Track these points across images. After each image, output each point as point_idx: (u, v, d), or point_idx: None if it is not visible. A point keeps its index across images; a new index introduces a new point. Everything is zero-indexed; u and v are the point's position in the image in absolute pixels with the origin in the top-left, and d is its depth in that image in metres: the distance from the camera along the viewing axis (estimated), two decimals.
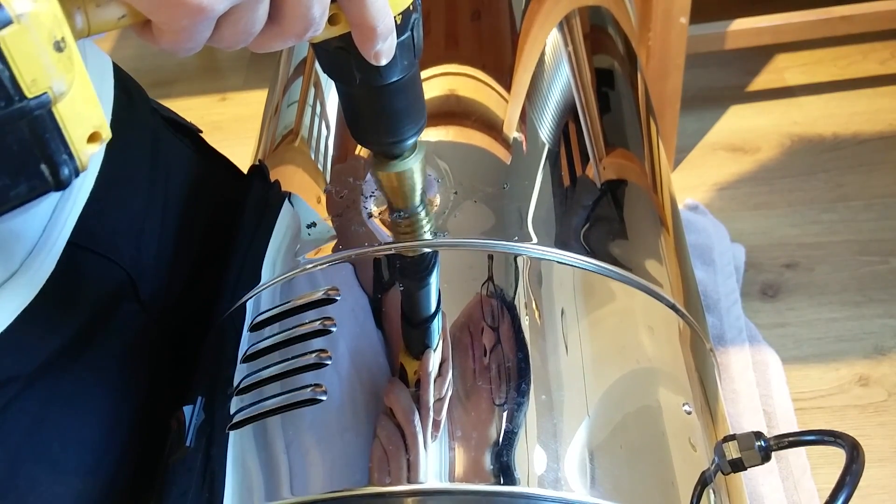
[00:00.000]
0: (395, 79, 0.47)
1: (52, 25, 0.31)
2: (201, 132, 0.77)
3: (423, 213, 0.57)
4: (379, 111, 0.49)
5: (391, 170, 0.53)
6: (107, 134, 0.35)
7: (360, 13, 0.39)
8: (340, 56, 0.45)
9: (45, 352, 0.54)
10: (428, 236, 0.57)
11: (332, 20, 0.41)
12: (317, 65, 0.74)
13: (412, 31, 0.45)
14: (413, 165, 0.53)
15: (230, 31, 0.37)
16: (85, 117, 0.34)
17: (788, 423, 1.06)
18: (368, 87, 0.47)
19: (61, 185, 0.34)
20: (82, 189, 0.58)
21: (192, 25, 0.34)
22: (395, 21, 0.43)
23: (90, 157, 0.35)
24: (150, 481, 0.57)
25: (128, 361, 0.60)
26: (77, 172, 0.34)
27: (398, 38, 0.45)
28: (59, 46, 0.32)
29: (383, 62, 0.43)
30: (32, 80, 0.31)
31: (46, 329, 0.54)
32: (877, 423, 1.08)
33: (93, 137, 0.35)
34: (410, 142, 0.52)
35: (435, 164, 0.62)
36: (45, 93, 0.32)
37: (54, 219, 0.55)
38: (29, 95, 0.31)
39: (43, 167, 0.33)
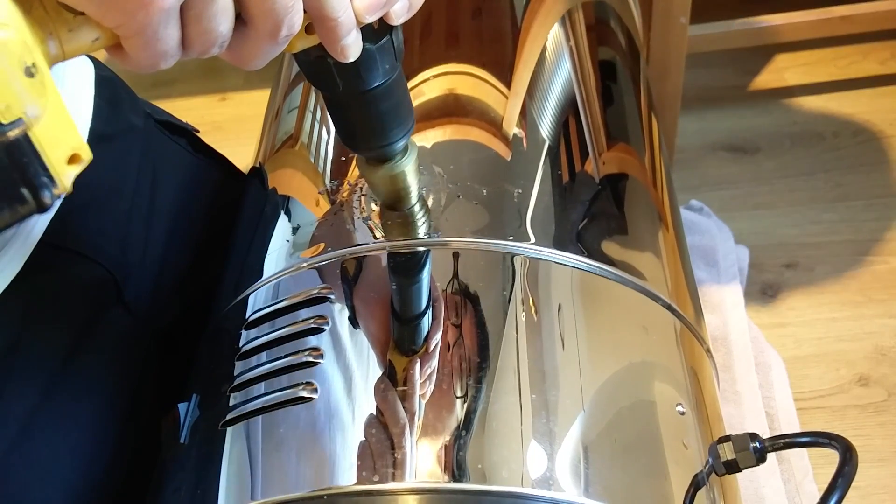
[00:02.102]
0: (377, 83, 0.47)
1: (21, 52, 0.32)
2: (198, 132, 0.77)
3: (419, 213, 0.57)
4: (365, 117, 0.49)
5: (384, 173, 0.53)
6: (87, 156, 0.36)
7: (318, 6, 0.39)
8: (321, 65, 0.45)
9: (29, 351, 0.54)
10: (423, 235, 0.57)
11: (308, 29, 0.41)
12: None
13: (391, 34, 0.45)
14: (405, 167, 0.53)
15: (196, 29, 0.36)
16: (63, 140, 0.34)
17: (791, 426, 1.06)
18: (352, 93, 0.47)
19: (43, 207, 0.34)
20: None
21: (150, 20, 0.34)
22: (373, 25, 0.43)
23: (71, 178, 0.35)
24: (140, 484, 0.57)
25: (115, 364, 0.60)
26: (58, 195, 0.35)
27: (377, 42, 0.44)
28: (30, 72, 0.32)
29: (351, 58, 0.43)
30: (6, 106, 0.31)
31: (29, 330, 0.54)
32: (877, 423, 1.08)
33: (73, 159, 0.35)
34: (400, 144, 0.52)
35: (433, 164, 0.62)
36: (20, 118, 0.32)
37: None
38: (4, 122, 0.32)
39: (24, 191, 0.33)
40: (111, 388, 0.59)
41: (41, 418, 0.54)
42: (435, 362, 0.50)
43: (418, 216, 0.57)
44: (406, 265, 0.57)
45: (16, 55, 0.31)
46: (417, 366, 0.50)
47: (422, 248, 0.57)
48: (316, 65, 0.45)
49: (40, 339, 0.55)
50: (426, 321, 0.53)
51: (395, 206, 0.56)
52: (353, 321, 0.53)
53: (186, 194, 0.72)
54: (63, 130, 0.34)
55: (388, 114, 0.49)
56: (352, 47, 0.42)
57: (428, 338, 0.52)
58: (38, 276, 0.55)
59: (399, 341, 0.52)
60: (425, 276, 0.56)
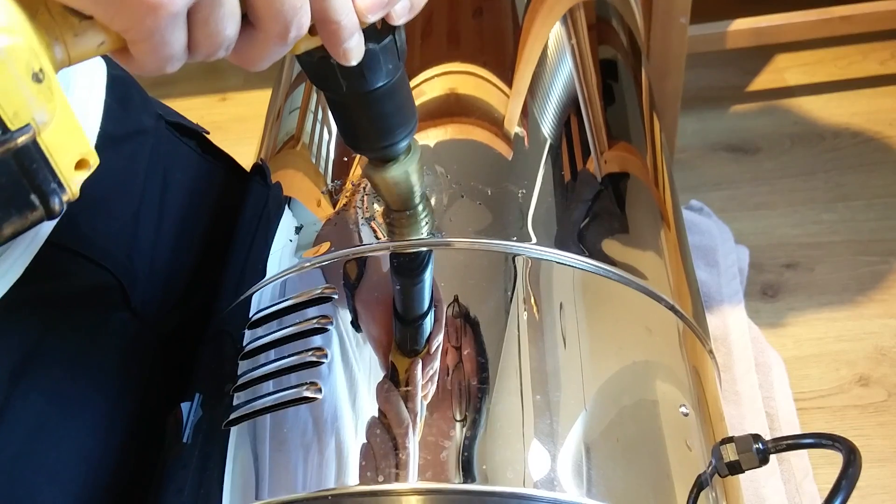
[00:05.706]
0: (380, 84, 0.47)
1: (29, 58, 0.32)
2: (208, 133, 0.77)
3: (422, 213, 0.57)
4: (368, 117, 0.49)
5: (387, 174, 0.53)
6: (94, 161, 0.36)
7: (321, 9, 0.39)
8: (324, 65, 0.45)
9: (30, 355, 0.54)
10: (426, 235, 0.57)
11: (311, 30, 0.41)
12: None
13: (394, 34, 0.45)
14: (408, 168, 0.53)
15: (203, 33, 0.36)
16: (70, 145, 0.34)
17: (791, 426, 1.06)
18: (356, 94, 0.47)
19: (53, 214, 0.34)
20: None
21: (158, 26, 0.34)
22: (376, 25, 0.43)
23: (79, 184, 0.35)
24: (145, 486, 0.57)
25: (122, 369, 0.60)
26: (67, 201, 0.35)
27: (380, 42, 0.45)
28: (37, 77, 0.32)
29: (354, 61, 0.42)
30: (14, 112, 0.32)
31: (31, 334, 0.54)
32: (877, 423, 1.08)
33: (80, 164, 0.35)
34: (403, 145, 0.52)
35: (435, 164, 0.62)
36: (28, 124, 0.32)
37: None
38: (12, 128, 0.32)
39: (33, 197, 0.33)
40: (118, 393, 0.59)
41: (50, 422, 0.54)
42: (438, 363, 0.50)
43: (422, 216, 0.57)
44: (409, 265, 0.57)
45: (23, 61, 0.31)
46: (420, 366, 0.50)
47: (424, 249, 0.57)
48: (319, 66, 0.45)
49: (50, 345, 0.55)
50: (429, 322, 0.53)
51: (398, 207, 0.56)
52: (356, 321, 0.53)
53: (195, 196, 0.72)
54: (71, 135, 0.34)
55: (392, 114, 0.49)
56: (355, 50, 0.42)
57: (430, 338, 0.51)
58: (48, 283, 0.55)
59: (402, 342, 0.52)
60: (428, 276, 0.56)
